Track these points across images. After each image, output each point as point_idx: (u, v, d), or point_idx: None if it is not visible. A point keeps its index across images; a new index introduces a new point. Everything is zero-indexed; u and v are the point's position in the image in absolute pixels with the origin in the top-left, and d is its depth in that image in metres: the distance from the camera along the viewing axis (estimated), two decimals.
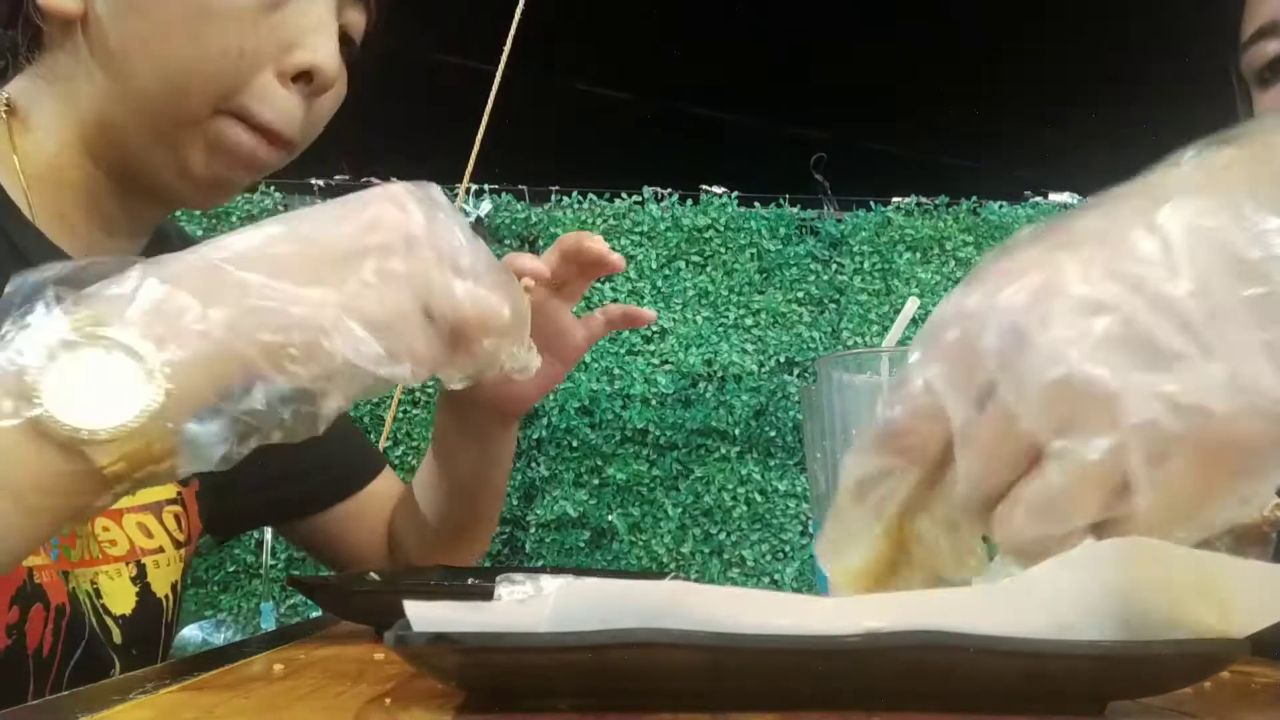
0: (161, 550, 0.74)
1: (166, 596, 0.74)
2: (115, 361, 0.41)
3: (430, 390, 3.50)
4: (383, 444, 3.23)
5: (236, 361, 0.43)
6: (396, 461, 3.50)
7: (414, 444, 3.56)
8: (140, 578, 0.72)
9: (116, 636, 0.69)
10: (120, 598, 0.70)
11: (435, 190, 0.51)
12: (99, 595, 0.69)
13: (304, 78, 0.67)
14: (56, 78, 0.67)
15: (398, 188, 0.49)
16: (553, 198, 3.80)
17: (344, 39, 0.70)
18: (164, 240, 0.78)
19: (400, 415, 3.48)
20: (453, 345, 0.48)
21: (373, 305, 0.45)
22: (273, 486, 0.87)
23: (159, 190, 0.70)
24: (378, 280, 0.45)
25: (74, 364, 0.41)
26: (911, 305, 0.63)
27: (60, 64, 0.67)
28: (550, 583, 0.37)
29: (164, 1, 0.62)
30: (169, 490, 0.75)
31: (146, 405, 0.41)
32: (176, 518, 0.76)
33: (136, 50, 0.63)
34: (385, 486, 0.96)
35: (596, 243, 0.77)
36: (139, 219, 0.73)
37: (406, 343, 0.46)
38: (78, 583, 0.67)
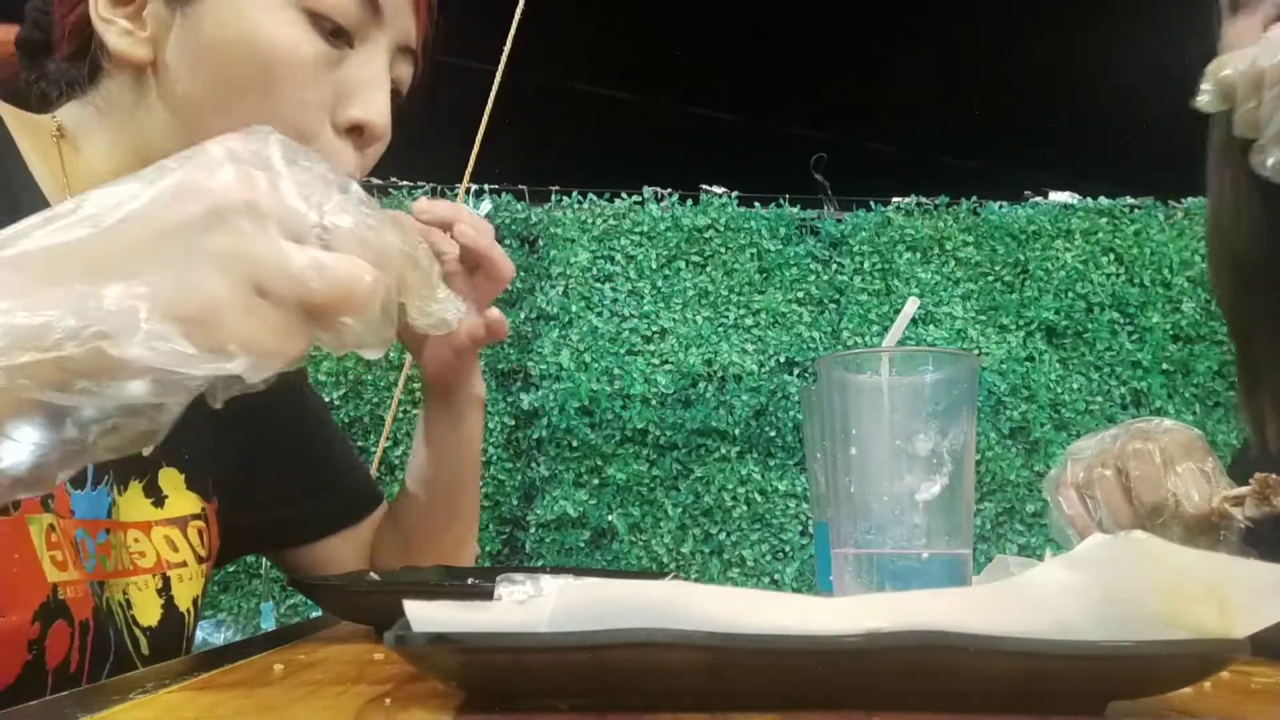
0: (185, 564, 0.75)
1: (188, 610, 0.75)
2: None
3: None
4: (382, 444, 3.23)
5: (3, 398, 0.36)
6: (397, 461, 3.50)
7: None
8: (165, 590, 0.72)
9: (144, 647, 0.70)
10: (147, 609, 0.71)
11: (272, 140, 0.43)
12: (129, 606, 0.69)
13: (356, 130, 0.69)
14: (114, 110, 0.69)
15: (214, 144, 0.42)
16: (553, 198, 3.80)
17: (392, 91, 0.73)
18: None
19: (400, 415, 3.47)
20: (313, 322, 0.40)
21: (174, 293, 0.37)
22: (273, 513, 0.89)
23: None
24: (182, 263, 0.38)
25: None
26: (911, 305, 0.63)
27: (120, 98, 0.69)
28: (550, 583, 0.37)
29: (234, 55, 0.65)
30: (195, 505, 0.76)
31: None
32: (200, 533, 0.77)
33: (205, 99, 0.66)
34: (379, 516, 0.97)
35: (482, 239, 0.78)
36: None
37: (230, 333, 0.38)
38: (112, 593, 0.68)
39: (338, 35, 0.67)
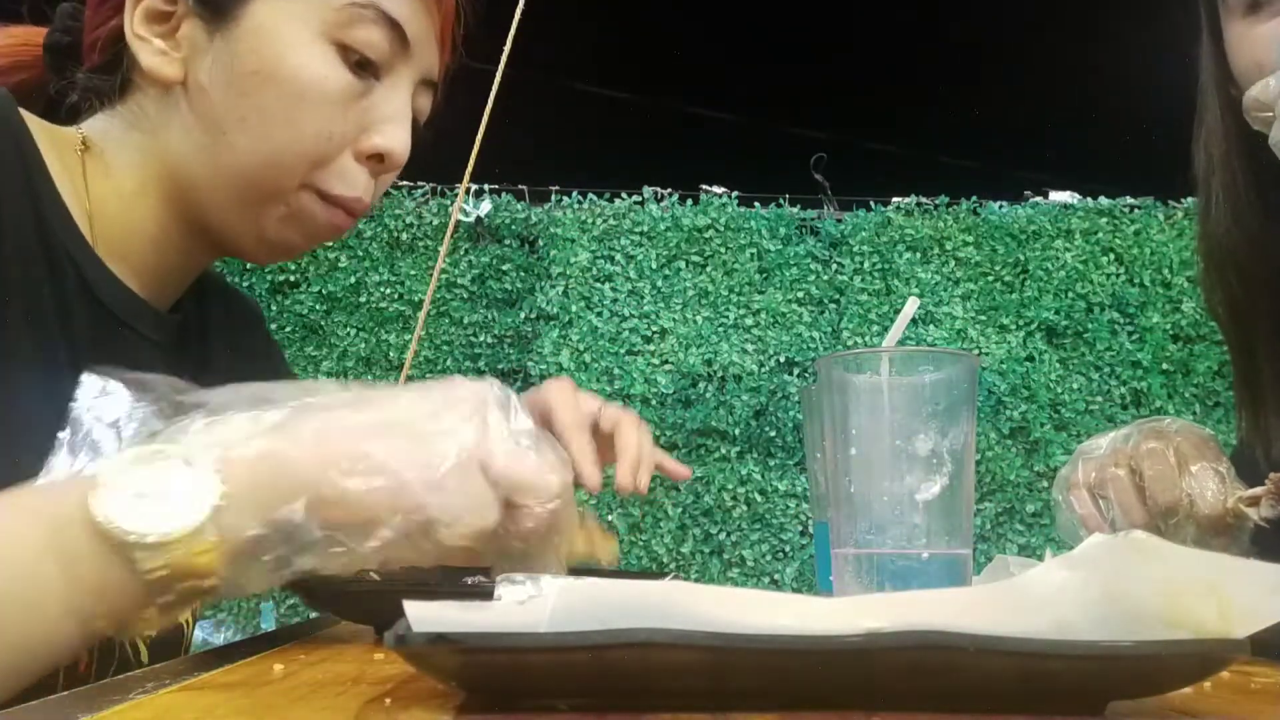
0: None
1: (186, 621, 0.75)
2: (171, 476, 0.45)
3: None
4: None
5: (292, 482, 0.45)
6: None
7: None
8: None
9: (144, 656, 0.70)
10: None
11: (498, 386, 0.53)
12: None
13: (376, 158, 0.71)
14: (142, 126, 0.70)
15: (482, 383, 0.53)
16: (553, 198, 3.80)
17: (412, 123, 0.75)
18: (206, 281, 0.81)
19: None
20: (506, 508, 0.50)
21: (421, 459, 0.47)
22: None
23: (227, 246, 0.74)
24: (446, 446, 0.48)
25: (135, 475, 0.44)
26: (911, 305, 0.63)
27: (147, 114, 0.70)
28: (550, 583, 0.37)
29: (265, 85, 0.66)
30: None
31: (194, 516, 0.44)
32: None
33: (235, 126, 0.67)
34: None
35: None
36: (195, 262, 0.76)
37: (461, 500, 0.48)
38: None
39: (364, 67, 0.69)
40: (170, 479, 0.45)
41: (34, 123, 0.67)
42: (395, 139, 0.71)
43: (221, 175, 0.69)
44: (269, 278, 3.58)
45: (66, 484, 0.47)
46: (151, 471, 0.45)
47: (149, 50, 0.68)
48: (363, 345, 3.61)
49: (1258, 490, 0.71)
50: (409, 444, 0.48)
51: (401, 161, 0.72)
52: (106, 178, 0.70)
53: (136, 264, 0.71)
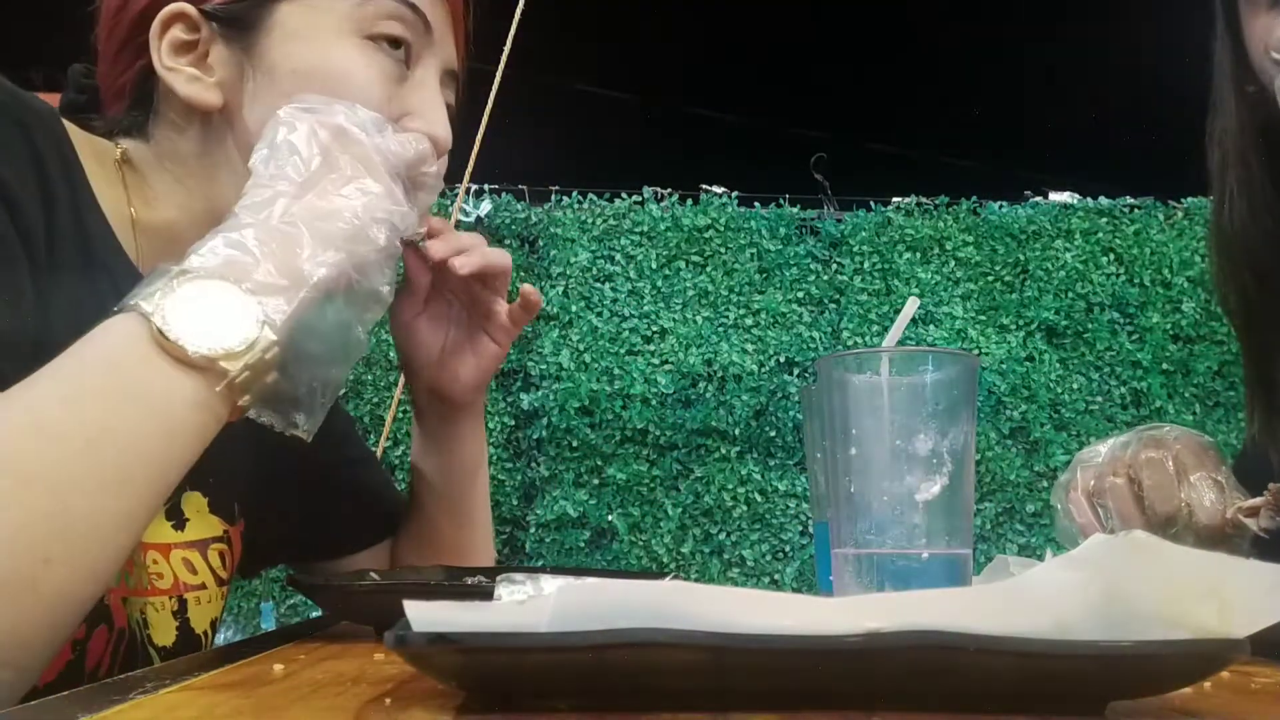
0: (204, 587, 0.74)
1: (205, 633, 0.75)
2: (213, 295, 0.53)
3: None
4: (383, 444, 3.23)
5: (335, 275, 0.57)
6: (397, 461, 3.50)
7: None
8: (181, 613, 0.72)
9: (155, 661, 0.70)
10: (163, 630, 0.71)
11: (309, 95, 0.65)
12: (146, 625, 0.70)
13: None
14: (175, 157, 0.70)
15: (289, 106, 0.64)
16: (553, 198, 3.80)
17: None
18: None
19: (400, 415, 3.47)
20: (413, 187, 0.67)
21: (372, 183, 0.62)
22: (304, 531, 0.89)
23: None
24: (357, 167, 0.61)
25: (185, 300, 0.52)
26: (911, 305, 0.63)
27: (181, 148, 0.70)
28: (550, 583, 0.37)
29: (310, 80, 0.67)
30: (217, 529, 0.76)
31: (250, 320, 0.53)
32: (221, 555, 0.76)
33: None
34: None
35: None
36: None
37: (399, 197, 0.63)
38: (131, 610, 0.68)
39: (395, 46, 0.70)
40: (209, 295, 0.52)
41: (76, 134, 0.67)
42: (438, 123, 0.72)
43: None
44: None
45: (113, 335, 0.52)
46: (189, 296, 0.52)
47: (183, 80, 0.68)
48: None
49: (1257, 501, 0.71)
50: (340, 176, 0.61)
51: (447, 145, 0.73)
52: (147, 201, 0.70)
53: None
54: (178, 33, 0.68)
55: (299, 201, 0.58)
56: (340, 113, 0.63)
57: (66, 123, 0.66)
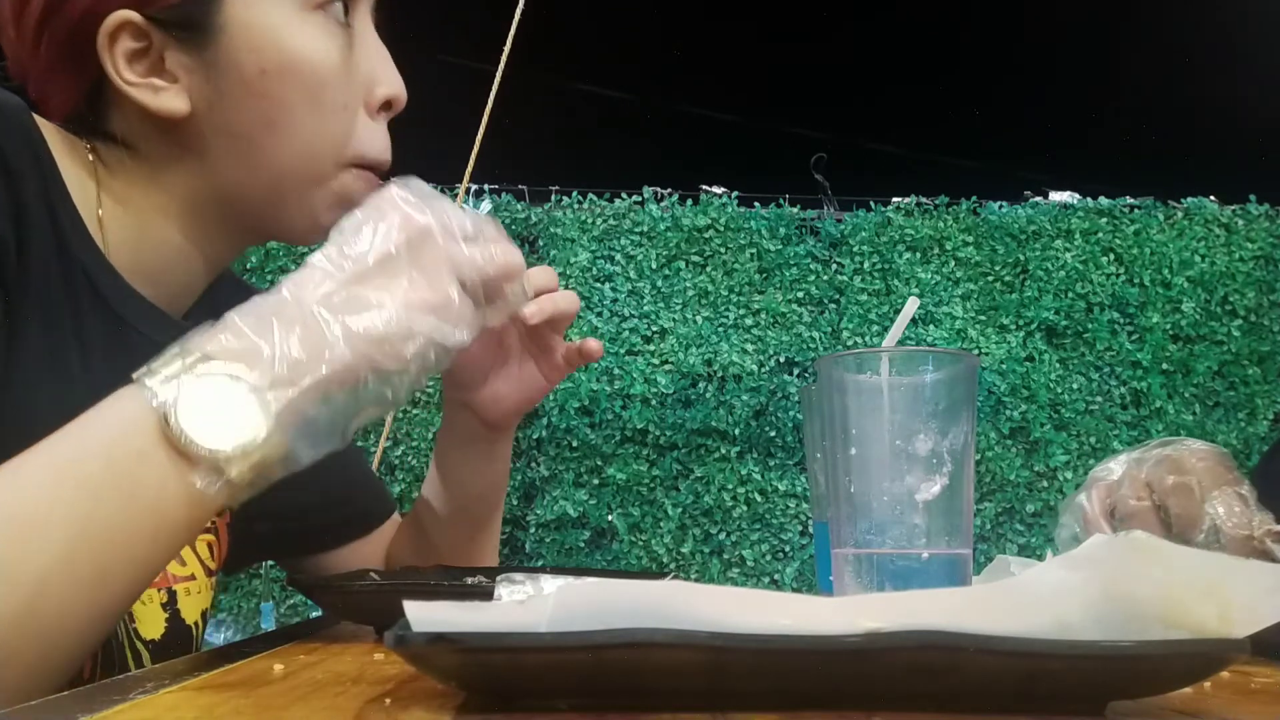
0: (193, 578, 0.74)
1: (195, 624, 0.75)
2: (227, 389, 0.51)
3: (430, 390, 3.50)
4: (382, 444, 3.23)
5: (346, 374, 0.54)
6: (397, 461, 3.50)
7: (414, 444, 3.56)
8: (170, 604, 0.72)
9: (146, 661, 0.70)
10: (151, 623, 0.70)
11: (416, 181, 0.61)
12: (131, 619, 0.69)
13: (385, 106, 0.72)
14: (145, 158, 0.68)
15: (393, 191, 0.59)
16: (553, 198, 3.80)
17: None
18: (221, 280, 0.79)
19: (400, 415, 3.47)
20: (487, 300, 0.60)
21: (427, 294, 0.56)
22: (290, 522, 0.88)
23: (279, 237, 0.74)
24: (420, 274, 0.57)
25: (198, 394, 0.51)
26: (911, 305, 0.63)
27: (148, 148, 0.68)
28: (550, 583, 0.37)
29: (281, 80, 0.66)
30: None
31: (260, 420, 0.51)
32: (210, 546, 0.76)
33: (262, 130, 0.66)
34: (391, 528, 0.96)
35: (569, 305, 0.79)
36: (216, 263, 0.75)
37: (456, 313, 0.57)
38: None
39: (343, 12, 0.68)
40: (221, 387, 0.51)
41: (47, 128, 0.66)
42: (394, 81, 0.71)
43: (261, 181, 0.68)
44: (269, 277, 3.58)
45: (115, 416, 0.51)
46: (204, 387, 0.51)
47: (149, 93, 0.65)
48: None
49: None
50: (396, 279, 0.56)
51: (404, 99, 0.72)
52: (117, 202, 0.69)
53: (150, 273, 0.70)
54: (128, 43, 0.64)
55: (344, 290, 0.55)
56: (431, 212, 0.59)
57: (38, 119, 0.65)
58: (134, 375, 0.52)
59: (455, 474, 0.86)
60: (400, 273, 0.56)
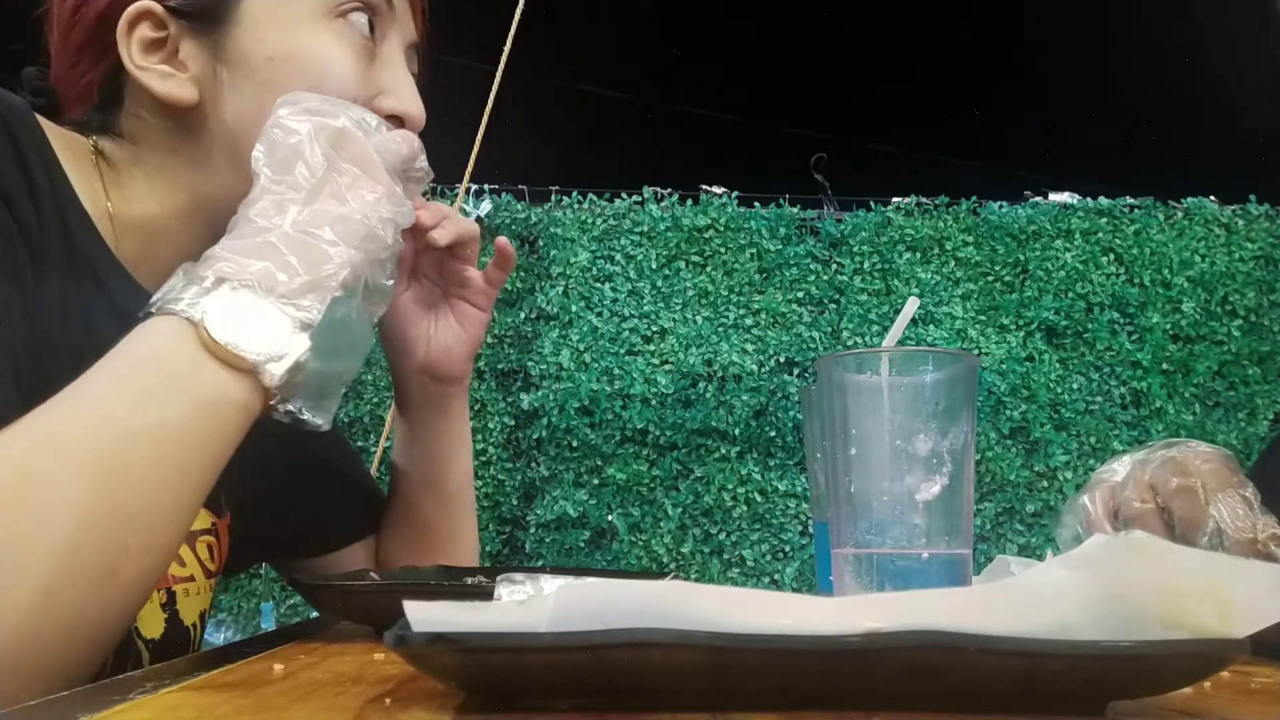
0: (192, 579, 0.75)
1: (194, 625, 0.75)
2: (254, 303, 0.55)
3: None
4: (382, 443, 3.23)
5: (352, 273, 0.59)
6: None
7: None
8: (169, 604, 0.72)
9: (146, 660, 0.70)
10: (150, 622, 0.71)
11: (303, 94, 0.65)
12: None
13: (394, 119, 0.73)
14: (152, 153, 0.70)
15: (283, 111, 0.63)
16: (553, 198, 3.80)
17: None
18: None
19: None
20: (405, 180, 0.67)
21: (376, 185, 0.62)
22: (290, 525, 0.89)
23: None
24: (359, 168, 0.62)
25: (225, 306, 0.55)
26: (911, 305, 0.63)
27: (155, 144, 0.70)
28: (550, 583, 0.37)
29: (287, 65, 0.68)
30: (204, 521, 0.76)
31: (291, 330, 0.56)
32: (209, 548, 0.76)
33: (262, 119, 0.67)
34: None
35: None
36: None
37: (399, 197, 0.64)
38: None
39: (367, 21, 0.71)
40: (246, 303, 0.55)
41: (50, 129, 0.67)
42: (410, 100, 0.73)
43: None
44: None
45: (157, 338, 0.54)
46: (233, 303, 0.54)
47: (157, 78, 0.68)
48: None
49: None
50: (343, 179, 0.62)
51: (422, 121, 0.74)
52: (124, 195, 0.70)
53: (157, 268, 0.70)
54: (145, 31, 0.67)
55: (310, 207, 0.60)
56: (340, 114, 0.64)
57: (40, 119, 0.66)
58: (150, 308, 0.55)
59: (418, 437, 0.87)
60: (343, 172, 0.61)
